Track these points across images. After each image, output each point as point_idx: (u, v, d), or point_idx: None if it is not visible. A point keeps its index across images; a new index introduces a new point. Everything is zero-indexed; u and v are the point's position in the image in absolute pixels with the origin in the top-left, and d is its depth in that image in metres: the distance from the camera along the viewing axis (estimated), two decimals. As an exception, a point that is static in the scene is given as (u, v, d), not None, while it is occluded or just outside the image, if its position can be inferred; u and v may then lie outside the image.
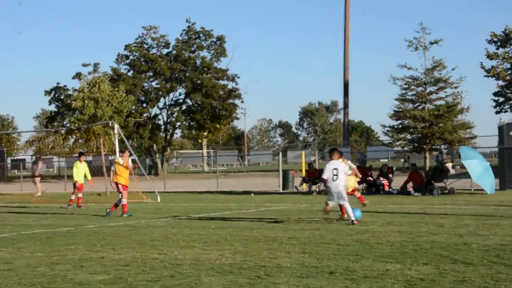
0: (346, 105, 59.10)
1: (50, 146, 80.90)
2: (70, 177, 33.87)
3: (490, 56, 48.12)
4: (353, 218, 14.29)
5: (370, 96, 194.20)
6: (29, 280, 8.11)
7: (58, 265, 9.28)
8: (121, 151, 20.30)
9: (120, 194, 18.64)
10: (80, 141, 60.36)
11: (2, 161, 59.66)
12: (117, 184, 18.83)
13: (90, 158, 60.76)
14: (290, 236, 12.28)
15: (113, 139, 29.98)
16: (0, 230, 15.01)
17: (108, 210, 18.64)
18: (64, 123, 60.27)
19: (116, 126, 28.07)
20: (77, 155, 26.06)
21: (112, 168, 20.01)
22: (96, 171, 32.82)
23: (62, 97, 63.46)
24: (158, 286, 7.49)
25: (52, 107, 66.10)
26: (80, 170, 23.51)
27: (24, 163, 72.70)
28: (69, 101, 56.22)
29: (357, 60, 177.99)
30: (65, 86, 64.23)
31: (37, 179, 33.85)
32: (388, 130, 32.76)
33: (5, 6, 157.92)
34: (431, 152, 32.86)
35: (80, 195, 23.57)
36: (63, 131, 57.73)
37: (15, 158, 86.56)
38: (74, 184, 23.53)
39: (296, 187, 32.41)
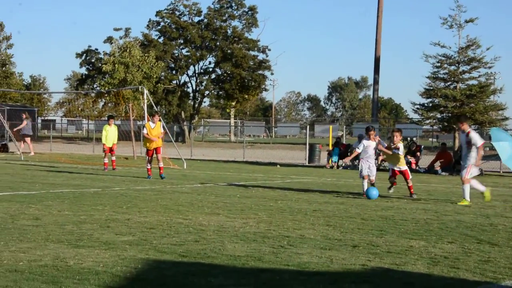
0: (376, 81, 58.41)
1: (79, 108, 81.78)
2: (98, 139, 34.27)
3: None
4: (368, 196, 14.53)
5: (401, 73, 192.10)
6: (57, 237, 8.25)
7: (85, 224, 9.43)
8: (152, 115, 20.24)
9: (148, 158, 19.50)
10: (109, 104, 60.85)
11: (33, 120, 60.40)
12: (150, 151, 19.39)
13: (118, 122, 61.35)
14: (314, 208, 12.29)
15: (142, 104, 30.16)
16: (30, 187, 15.27)
17: (148, 175, 19.36)
18: (94, 86, 60.72)
19: (146, 91, 28.19)
20: (106, 118, 26.12)
21: (144, 131, 19.70)
22: (124, 135, 33.10)
23: (93, 60, 63.84)
24: (182, 250, 7.56)
25: (83, 70, 66.63)
26: (109, 133, 23.65)
27: (54, 123, 73.66)
28: (99, 64, 56.50)
29: (390, 36, 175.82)
30: (96, 49, 64.62)
31: (27, 139, 33.80)
32: (418, 108, 32.45)
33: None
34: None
35: (113, 158, 23.78)
36: (93, 94, 58.20)
37: (46, 118, 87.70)
38: (103, 147, 23.77)
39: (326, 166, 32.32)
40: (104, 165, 23.32)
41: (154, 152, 19.36)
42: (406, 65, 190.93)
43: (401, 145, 15.25)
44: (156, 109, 22.51)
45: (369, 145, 15.35)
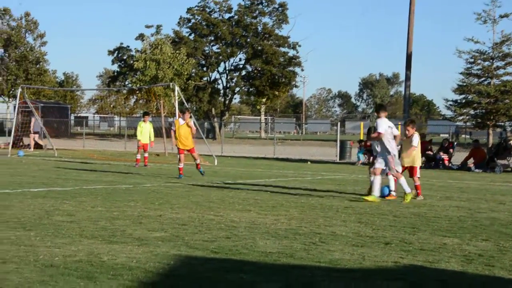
0: (408, 78, 57.73)
1: (111, 105, 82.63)
2: (130, 136, 34.61)
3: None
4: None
5: (433, 69, 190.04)
6: (91, 233, 8.35)
7: (117, 220, 9.53)
8: (182, 112, 19.27)
9: (178, 156, 18.53)
10: (140, 101, 61.32)
11: (66, 117, 61.28)
12: (180, 149, 18.47)
13: (150, 119, 61.90)
14: (346, 205, 12.24)
15: (173, 101, 30.33)
16: (63, 184, 15.48)
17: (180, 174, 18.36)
18: (126, 83, 61.26)
19: (177, 88, 28.33)
20: (138, 115, 26.39)
21: (173, 128, 18.59)
22: (155, 132, 33.35)
23: (124, 58, 64.39)
24: (214, 246, 7.60)
25: (115, 67, 67.23)
26: (144, 129, 23.83)
27: (86, 120, 74.55)
28: (131, 61, 56.93)
29: (422, 32, 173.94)
30: (128, 46, 65.16)
31: (35, 136, 34.35)
32: (450, 104, 32.11)
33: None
34: (494, 128, 32.09)
35: (146, 154, 23.98)
36: (124, 91, 58.71)
37: (78, 115, 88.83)
38: (138, 143, 23.98)
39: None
40: (136, 161, 23.53)
41: (186, 152, 18.58)
42: (439, 61, 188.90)
43: (415, 136, 13.89)
44: (187, 106, 21.71)
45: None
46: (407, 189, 12.99)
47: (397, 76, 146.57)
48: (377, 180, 12.93)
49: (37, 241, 7.69)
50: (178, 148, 18.56)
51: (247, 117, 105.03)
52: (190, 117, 18.62)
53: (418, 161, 14.09)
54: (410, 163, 13.90)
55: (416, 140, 13.86)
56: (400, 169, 13.36)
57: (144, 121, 24.19)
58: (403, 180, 13.08)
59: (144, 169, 22.37)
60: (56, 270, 6.15)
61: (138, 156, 23.66)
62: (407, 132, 13.94)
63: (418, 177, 13.96)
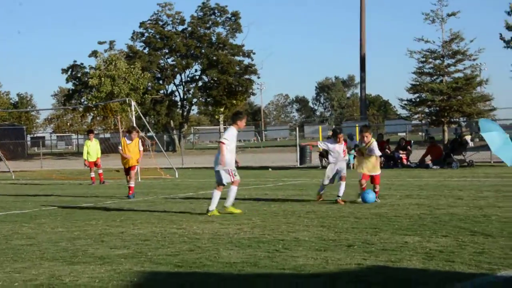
0: (363, 79, 58.63)
1: (68, 124, 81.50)
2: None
3: (509, 27, 47.44)
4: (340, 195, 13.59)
5: (387, 70, 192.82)
6: (52, 255, 8.22)
7: (79, 240, 9.40)
8: (129, 131, 17.62)
9: (127, 177, 17.02)
10: (98, 118, 60.66)
11: (22, 138, 60.20)
12: (125, 168, 17.04)
13: (108, 135, 61.26)
14: (308, 210, 12.31)
15: (130, 116, 30.12)
16: (22, 206, 15.20)
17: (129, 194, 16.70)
18: (82, 100, 60.54)
19: (133, 103, 28.16)
20: (96, 131, 26.09)
21: (119, 147, 17.05)
22: (114, 148, 33.03)
23: (79, 75, 63.63)
24: (178, 260, 7.55)
25: (70, 85, 66.35)
26: (90, 148, 23.54)
27: (43, 140, 73.36)
28: (86, 79, 56.37)
29: (374, 34, 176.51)
30: (81, 64, 64.39)
31: None
32: (405, 104, 32.59)
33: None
34: (449, 125, 32.68)
35: (100, 171, 23.71)
36: (81, 109, 58.02)
37: (35, 135, 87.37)
38: (84, 163, 23.75)
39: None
40: (92, 180, 23.26)
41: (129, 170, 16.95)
42: (392, 62, 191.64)
43: (374, 144, 13.46)
44: (134, 125, 20.43)
45: (334, 148, 13.91)
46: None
47: (352, 79, 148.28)
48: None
49: (-4, 267, 7.52)
50: (124, 168, 17.22)
51: (206, 128, 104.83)
52: (139, 137, 17.32)
53: (379, 168, 13.70)
54: (372, 171, 13.49)
55: (377, 148, 13.47)
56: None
57: (89, 139, 23.87)
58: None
59: (103, 186, 22.12)
60: (17, 296, 6.02)
61: (93, 174, 23.42)
62: (365, 138, 13.41)
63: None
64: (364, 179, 13.46)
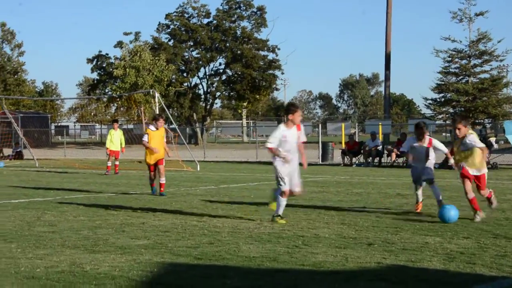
0: (387, 78, 58.23)
1: (92, 114, 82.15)
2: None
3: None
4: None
5: (412, 68, 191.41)
6: (73, 243, 8.30)
7: (100, 229, 9.48)
8: (155, 118, 15.87)
9: (151, 173, 15.24)
10: (121, 109, 61.11)
11: (46, 127, 60.83)
12: (151, 164, 15.12)
13: (131, 126, 61.59)
14: (328, 206, 12.27)
15: (153, 107, 30.26)
16: (45, 194, 15.37)
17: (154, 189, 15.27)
18: (106, 91, 60.99)
19: (157, 94, 28.27)
20: (119, 122, 26.19)
21: (144, 139, 15.05)
22: (137, 139, 33.22)
23: (104, 65, 64.09)
24: (197, 253, 7.58)
25: (94, 75, 66.90)
26: (114, 137, 23.73)
27: (67, 129, 74.04)
28: (110, 69, 56.78)
29: (400, 32, 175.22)
30: (107, 54, 64.87)
31: None
32: (430, 103, 32.38)
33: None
34: (474, 126, 32.36)
35: (117, 162, 23.86)
36: (105, 99, 58.43)
37: (59, 124, 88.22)
38: (106, 151, 23.93)
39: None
40: (107, 168, 23.45)
41: (156, 166, 15.13)
42: (417, 60, 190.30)
43: (471, 137, 10.29)
44: (166, 114, 19.75)
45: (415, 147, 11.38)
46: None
47: (377, 77, 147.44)
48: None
49: (18, 253, 7.62)
50: (149, 165, 15.22)
51: (228, 122, 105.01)
52: (170, 123, 15.99)
53: (485, 166, 10.66)
54: (477, 170, 10.43)
55: (477, 140, 10.33)
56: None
57: (113, 128, 24.18)
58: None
59: (125, 177, 22.27)
60: (38, 282, 6.10)
61: (109, 164, 23.60)
62: (457, 131, 10.38)
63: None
64: (469, 182, 10.35)
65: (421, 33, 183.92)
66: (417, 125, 11.42)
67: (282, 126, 10.30)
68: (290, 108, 10.36)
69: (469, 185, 10.26)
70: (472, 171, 10.34)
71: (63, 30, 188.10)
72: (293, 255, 7.43)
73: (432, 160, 11.57)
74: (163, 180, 15.05)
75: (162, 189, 15.00)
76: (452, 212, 10.00)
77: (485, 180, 10.52)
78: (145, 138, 15.01)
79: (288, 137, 10.17)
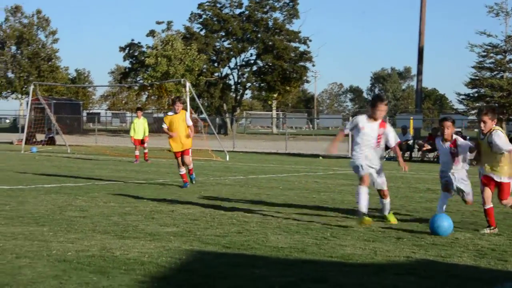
0: (420, 72, 57.54)
1: (123, 101, 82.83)
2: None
3: None
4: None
5: (445, 63, 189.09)
6: (103, 228, 8.40)
7: (130, 216, 9.57)
8: (173, 101, 14.81)
9: (178, 160, 14.45)
10: (152, 97, 61.44)
11: (78, 113, 61.54)
12: (178, 154, 14.36)
13: (161, 115, 61.95)
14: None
15: (184, 96, 30.39)
16: (76, 180, 15.56)
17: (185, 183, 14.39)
18: (138, 79, 61.43)
19: (188, 84, 28.38)
20: (149, 111, 26.30)
21: (164, 126, 14.26)
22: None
23: (136, 54, 64.51)
24: (226, 241, 7.61)
25: (126, 63, 67.36)
26: (137, 125, 23.78)
27: (99, 116, 74.76)
28: (142, 58, 57.15)
29: (434, 26, 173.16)
30: (139, 43, 65.23)
31: None
32: (463, 99, 31.97)
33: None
34: (508, 122, 31.87)
35: (146, 150, 23.96)
36: (136, 87, 58.86)
37: (90, 111, 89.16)
38: (131, 140, 23.97)
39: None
40: (135, 157, 23.51)
41: (182, 155, 14.36)
42: (451, 55, 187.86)
43: (499, 135, 8.61)
44: (177, 96, 18.65)
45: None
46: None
47: (409, 70, 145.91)
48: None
49: (50, 236, 7.74)
50: (174, 152, 14.50)
51: (258, 113, 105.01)
52: (185, 109, 14.90)
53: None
54: (499, 176, 8.78)
55: (503, 140, 8.64)
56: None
57: (137, 117, 24.19)
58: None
59: (155, 165, 22.43)
60: (69, 265, 6.19)
61: (137, 153, 23.68)
62: (482, 124, 8.75)
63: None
64: (489, 191, 8.86)
65: (456, 27, 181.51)
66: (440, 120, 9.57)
67: (361, 116, 9.33)
68: (373, 100, 9.43)
69: (488, 194, 8.80)
70: (496, 177, 8.71)
71: (97, 18, 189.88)
72: (321, 246, 7.41)
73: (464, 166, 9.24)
74: (191, 167, 14.52)
75: (191, 172, 14.49)
76: (446, 223, 8.36)
77: (509, 189, 8.76)
78: (164, 125, 14.27)
79: (366, 129, 9.12)
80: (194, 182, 14.53)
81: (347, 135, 9.84)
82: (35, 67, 69.67)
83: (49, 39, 73.01)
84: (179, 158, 14.37)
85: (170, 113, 14.46)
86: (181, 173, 14.43)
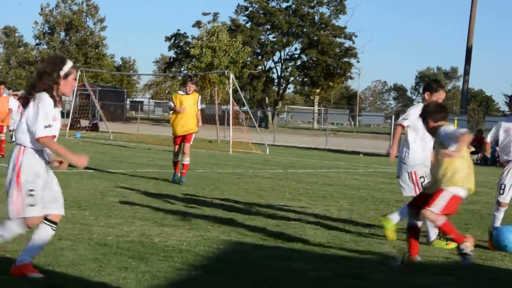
0: (467, 72, 56.59)
1: (166, 91, 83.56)
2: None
3: None
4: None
5: (493, 64, 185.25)
6: (143, 214, 8.51)
7: (169, 204, 9.68)
8: (184, 81, 13.80)
9: (175, 147, 13.06)
10: (195, 88, 61.66)
11: (122, 101, 62.36)
12: (177, 137, 12.96)
13: (204, 106, 62.40)
14: (398, 198, 12.08)
15: (227, 88, 30.52)
16: (118, 166, 15.79)
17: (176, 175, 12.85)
18: (182, 69, 61.86)
19: (232, 75, 28.47)
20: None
21: (170, 104, 13.06)
22: (209, 119, 33.61)
23: (181, 44, 64.96)
24: (264, 233, 7.63)
25: (171, 53, 67.90)
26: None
27: (142, 105, 75.60)
28: (187, 48, 57.49)
29: (482, 25, 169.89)
30: (185, 33, 65.63)
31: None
32: (510, 100, 31.28)
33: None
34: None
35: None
36: (180, 77, 59.28)
37: (134, 100, 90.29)
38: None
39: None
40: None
41: (183, 141, 12.90)
42: (500, 56, 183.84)
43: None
44: (190, 74, 16.86)
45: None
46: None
47: (455, 71, 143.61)
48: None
49: (91, 220, 7.88)
50: (174, 137, 13.09)
51: (300, 107, 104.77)
52: (242, 105, 13.23)
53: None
54: None
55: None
56: None
57: None
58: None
59: (195, 155, 22.58)
60: (109, 249, 6.29)
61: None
62: None
63: None
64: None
65: (506, 27, 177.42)
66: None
67: (418, 106, 7.58)
68: (429, 85, 7.89)
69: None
70: None
71: (144, 7, 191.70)
72: (359, 243, 7.38)
73: None
74: (186, 161, 12.76)
75: (184, 171, 12.67)
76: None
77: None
78: (171, 103, 12.93)
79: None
80: (181, 183, 12.43)
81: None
82: (82, 54, 70.76)
83: (97, 27, 74.08)
84: (178, 146, 12.93)
85: (180, 92, 13.12)
86: (175, 160, 12.86)
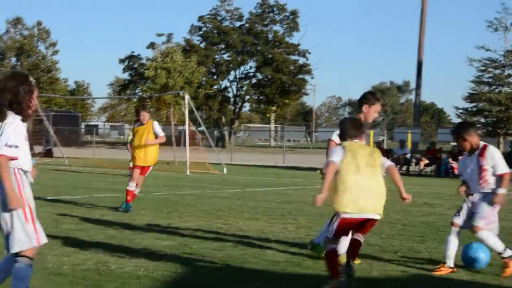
0: (418, 86, 57.62)
1: (122, 114, 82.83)
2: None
3: None
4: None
5: (444, 77, 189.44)
6: (99, 241, 8.38)
7: (126, 229, 9.54)
8: (136, 110, 13.12)
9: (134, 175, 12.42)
10: (151, 110, 61.32)
11: (76, 125, 61.54)
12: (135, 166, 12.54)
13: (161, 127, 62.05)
14: (355, 214, 12.19)
15: (183, 109, 30.42)
16: (73, 192, 15.54)
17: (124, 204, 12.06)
18: (136, 91, 61.49)
19: (187, 96, 28.41)
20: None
21: (131, 136, 12.97)
22: (166, 140, 33.43)
23: (135, 66, 64.70)
24: (222, 255, 7.60)
25: (126, 75, 67.51)
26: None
27: (97, 128, 74.75)
28: (142, 70, 57.25)
29: (432, 40, 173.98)
30: (139, 55, 65.44)
31: None
32: (461, 113, 32.05)
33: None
34: (505, 137, 31.94)
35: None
36: (135, 99, 58.87)
37: (89, 123, 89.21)
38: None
39: None
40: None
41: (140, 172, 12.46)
42: (450, 69, 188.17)
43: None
44: (143, 104, 16.72)
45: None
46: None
47: (407, 84, 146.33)
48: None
49: (45, 249, 7.69)
50: (134, 166, 12.57)
51: (257, 125, 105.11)
52: (151, 118, 12.76)
53: None
54: None
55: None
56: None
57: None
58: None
59: (153, 177, 22.37)
60: (65, 279, 6.17)
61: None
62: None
63: None
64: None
65: (455, 41, 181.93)
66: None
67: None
68: (366, 97, 7.81)
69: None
70: None
71: (96, 30, 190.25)
72: (317, 260, 7.40)
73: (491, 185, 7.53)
74: (136, 191, 12.29)
75: (129, 198, 11.95)
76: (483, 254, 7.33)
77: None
78: (129, 143, 12.02)
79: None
80: (121, 210, 11.74)
81: None
82: (35, 79, 69.54)
83: (49, 51, 73.20)
84: (136, 172, 12.40)
85: (137, 125, 12.66)
86: (129, 188, 12.11)
